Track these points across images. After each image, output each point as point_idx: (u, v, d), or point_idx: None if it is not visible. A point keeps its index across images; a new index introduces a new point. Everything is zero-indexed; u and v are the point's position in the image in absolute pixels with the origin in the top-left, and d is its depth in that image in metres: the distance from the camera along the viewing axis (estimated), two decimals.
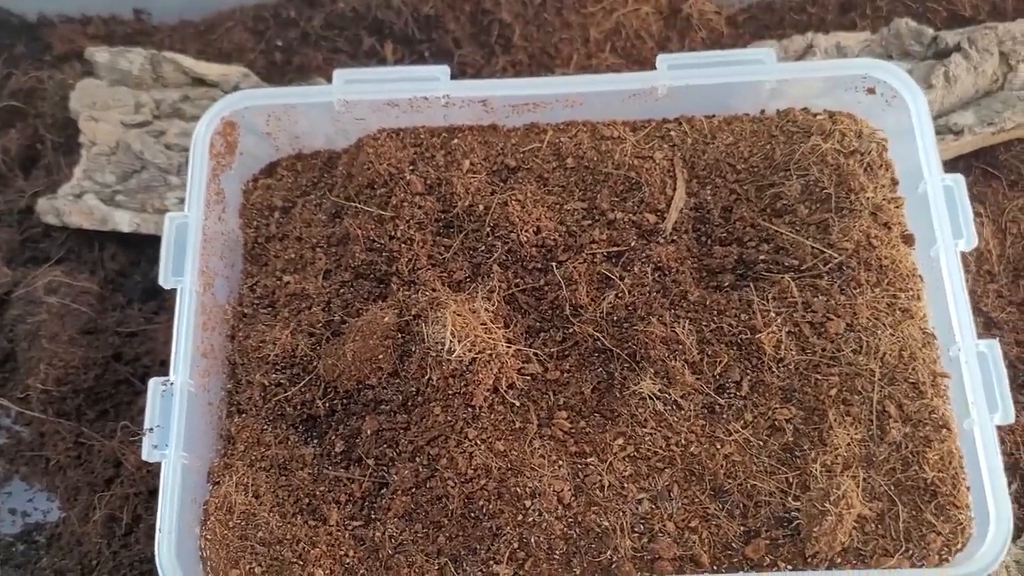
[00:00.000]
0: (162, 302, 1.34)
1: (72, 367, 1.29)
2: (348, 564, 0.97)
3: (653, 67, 1.10)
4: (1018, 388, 1.28)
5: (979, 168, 1.45)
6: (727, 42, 1.53)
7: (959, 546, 0.92)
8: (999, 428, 1.15)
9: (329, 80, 1.14)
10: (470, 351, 0.99)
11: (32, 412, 1.27)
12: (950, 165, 1.45)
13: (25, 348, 1.31)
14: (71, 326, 1.32)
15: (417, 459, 1.00)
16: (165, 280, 1.03)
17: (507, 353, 1.00)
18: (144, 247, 1.37)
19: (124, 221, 1.34)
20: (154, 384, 0.99)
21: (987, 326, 1.33)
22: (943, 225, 1.00)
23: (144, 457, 0.97)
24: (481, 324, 1.01)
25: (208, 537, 0.99)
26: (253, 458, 1.04)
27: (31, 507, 1.27)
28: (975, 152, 1.44)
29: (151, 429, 0.97)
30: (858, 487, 0.92)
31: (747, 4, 1.58)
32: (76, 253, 1.39)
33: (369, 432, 1.03)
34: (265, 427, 1.06)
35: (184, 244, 1.04)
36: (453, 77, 1.46)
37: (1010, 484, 1.23)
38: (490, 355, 1.00)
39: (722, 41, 1.53)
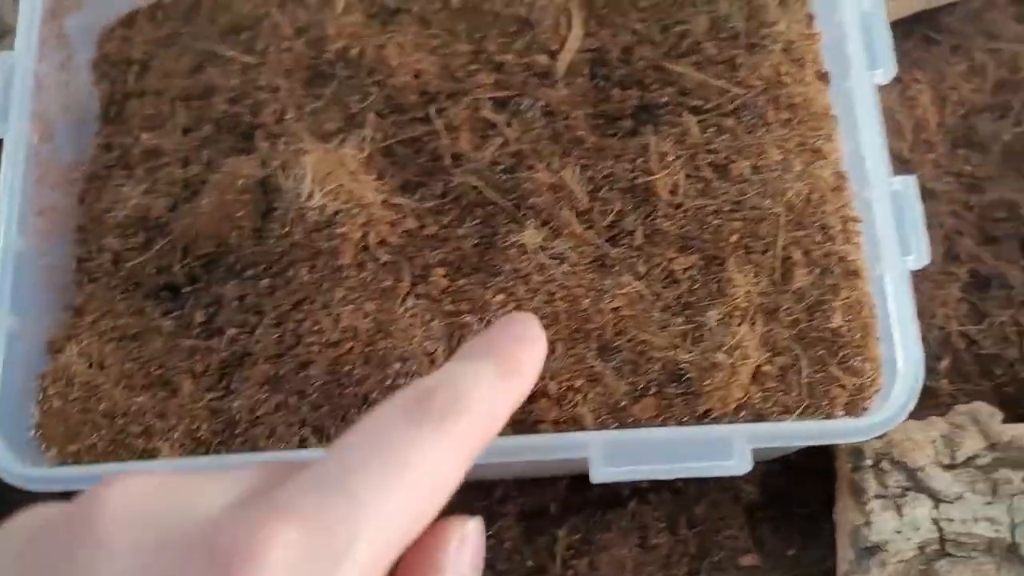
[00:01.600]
0: None
1: None
2: (200, 437, 0.88)
3: None
4: (953, 260, 1.20)
5: (919, 33, 1.35)
6: None
7: (866, 400, 0.83)
8: (930, 300, 1.07)
9: None
10: (334, 201, 0.89)
11: None
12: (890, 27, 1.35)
13: None
14: None
15: (282, 325, 0.91)
16: None
17: (376, 203, 0.90)
18: None
19: None
20: None
21: (923, 197, 1.23)
22: (858, 54, 0.90)
23: None
24: (348, 173, 0.91)
25: (44, 411, 0.89)
26: (102, 329, 0.94)
27: None
28: (915, 16, 1.34)
29: None
30: (756, 337, 0.83)
31: None
32: None
33: (231, 299, 0.93)
34: (118, 296, 0.96)
35: (10, 87, 0.93)
36: None
37: (940, 359, 1.15)
38: (358, 207, 0.90)
39: None
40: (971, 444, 0.98)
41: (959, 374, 1.15)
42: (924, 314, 1.19)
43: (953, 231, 1.22)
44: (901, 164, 1.26)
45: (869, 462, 0.99)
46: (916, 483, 0.97)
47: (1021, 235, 1.20)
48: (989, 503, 0.95)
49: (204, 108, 1.01)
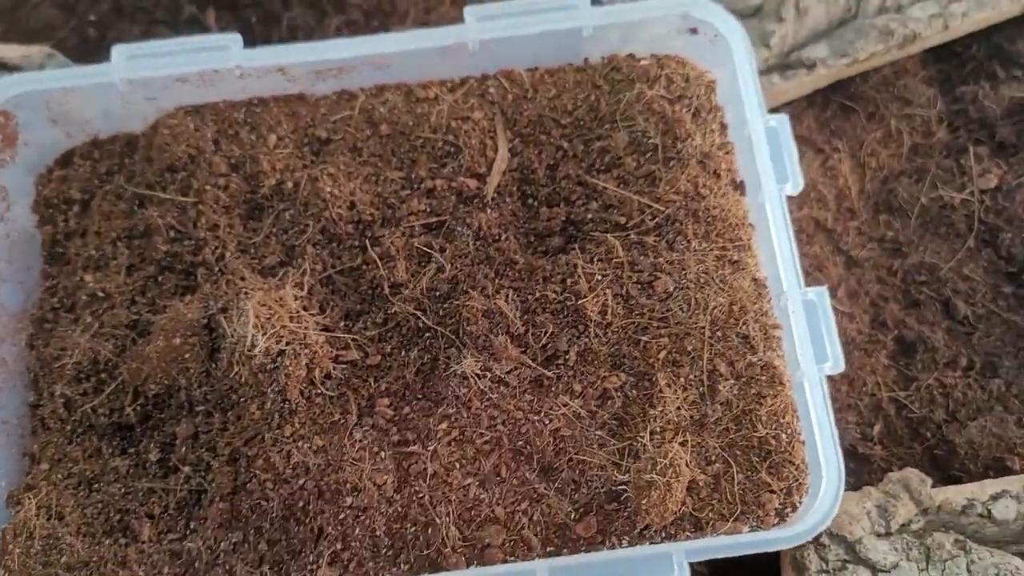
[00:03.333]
0: None
1: None
2: None
3: (465, 7, 1.03)
4: (880, 326, 1.26)
5: (836, 102, 1.41)
6: None
7: (796, 503, 0.88)
8: (860, 369, 1.12)
9: None
10: (276, 343, 0.92)
11: None
12: (807, 100, 1.40)
13: None
14: None
15: (236, 462, 0.94)
16: None
17: (319, 342, 0.94)
18: None
19: None
20: None
21: (848, 265, 1.30)
22: (767, 170, 0.95)
23: None
24: (289, 313, 0.94)
25: (7, 567, 0.91)
26: (59, 477, 0.96)
27: None
28: (832, 86, 1.39)
29: None
30: (687, 452, 0.87)
31: None
32: None
33: (183, 437, 0.96)
34: (72, 441, 0.98)
35: None
36: (281, 41, 1.38)
37: (873, 425, 1.21)
38: (300, 346, 0.93)
39: None
40: (904, 512, 1.03)
41: (891, 438, 1.20)
42: (855, 382, 1.25)
43: (879, 297, 1.28)
44: (825, 234, 1.32)
45: (809, 539, 1.03)
46: (855, 555, 1.02)
47: (942, 297, 1.26)
48: (923, 570, 1.00)
49: (145, 248, 1.03)
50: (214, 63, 1.01)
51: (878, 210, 1.34)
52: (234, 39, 1.02)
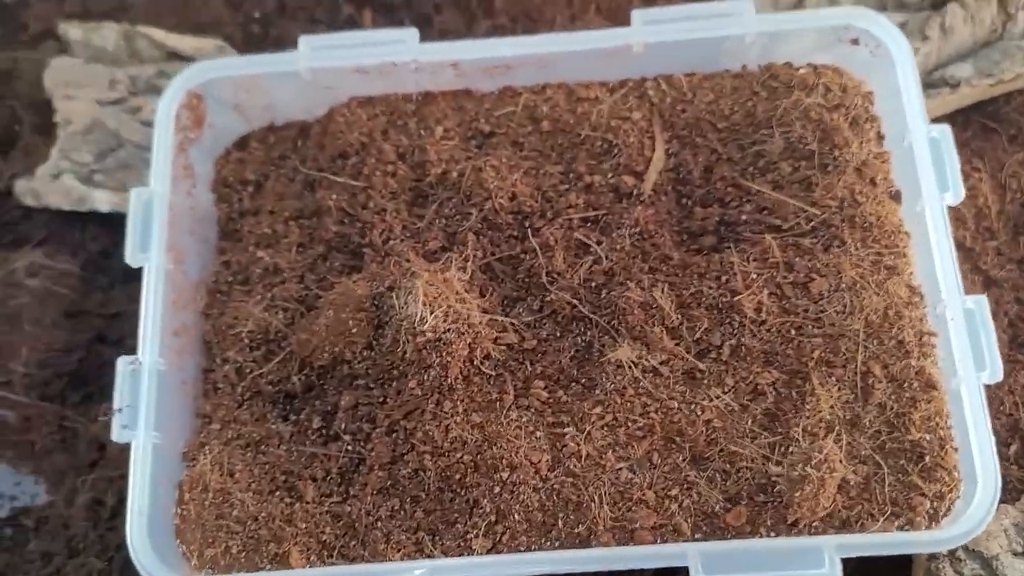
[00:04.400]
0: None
1: (55, 350, 1.27)
2: (325, 540, 0.96)
3: (633, 11, 1.07)
4: (1019, 347, 1.25)
5: (978, 122, 1.40)
6: None
7: (946, 509, 0.89)
8: (997, 388, 1.12)
9: None
10: (443, 322, 0.96)
11: (15, 396, 1.26)
12: (949, 119, 1.39)
13: (7, 331, 1.30)
14: (53, 309, 1.31)
15: (393, 433, 0.99)
16: (132, 257, 1.02)
17: (481, 323, 0.98)
18: (125, 226, 1.35)
19: (103, 200, 1.32)
20: (122, 363, 0.98)
21: (986, 284, 1.29)
22: (928, 178, 0.96)
23: (114, 438, 0.95)
24: (455, 294, 0.98)
25: (183, 516, 0.98)
26: (229, 436, 1.03)
27: (19, 491, 1.26)
28: (974, 105, 1.39)
29: (120, 409, 0.96)
30: (841, 450, 0.89)
31: None
32: (56, 235, 1.37)
33: (345, 407, 1.02)
34: (241, 405, 1.05)
35: (150, 220, 1.02)
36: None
37: (1009, 445, 1.20)
38: (464, 326, 0.97)
39: None
40: None
41: None
42: (992, 402, 1.23)
43: (1017, 318, 1.27)
44: (964, 252, 1.31)
45: (945, 552, 1.03)
46: (991, 572, 1.02)
47: None
48: None
49: (315, 228, 1.10)
50: (393, 56, 1.07)
51: (1018, 231, 1.33)
52: (411, 33, 1.08)
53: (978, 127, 1.40)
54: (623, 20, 1.48)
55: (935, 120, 1.39)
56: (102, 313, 1.31)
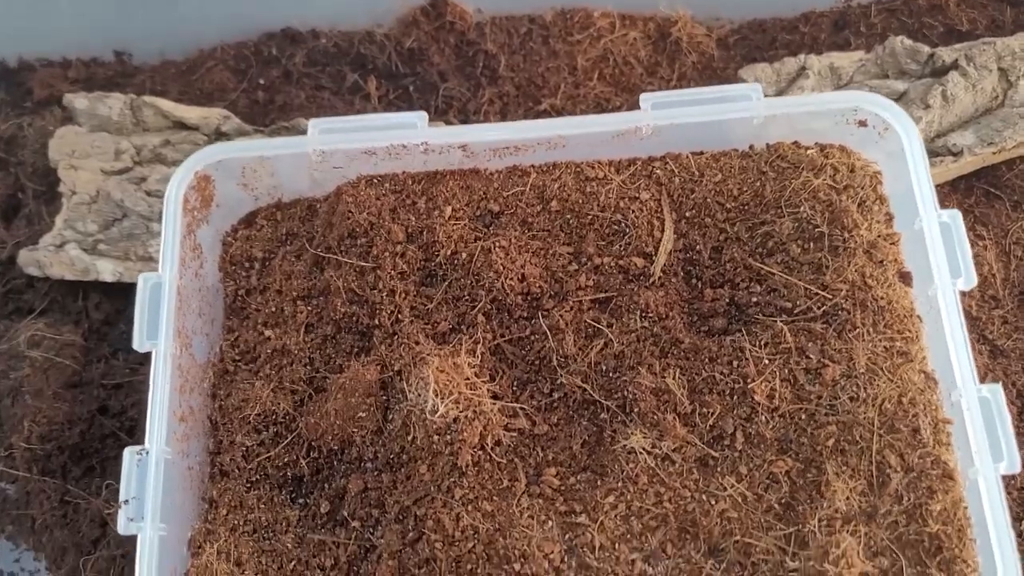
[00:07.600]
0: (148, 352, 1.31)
1: (56, 423, 1.26)
2: None
3: (641, 94, 1.07)
4: None
5: (981, 189, 1.41)
6: (718, 65, 1.50)
7: None
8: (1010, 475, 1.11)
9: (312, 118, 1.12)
10: (454, 409, 0.96)
11: (16, 471, 1.24)
12: (951, 186, 1.41)
13: (8, 404, 1.28)
14: (55, 380, 1.29)
15: (403, 520, 0.97)
16: (139, 344, 1.01)
17: (492, 409, 0.97)
18: (129, 296, 1.34)
19: (107, 270, 1.31)
20: (128, 454, 0.96)
21: (993, 354, 1.29)
22: (940, 264, 0.96)
23: (120, 531, 0.94)
24: (465, 380, 0.98)
25: None
26: (236, 523, 1.01)
27: (18, 567, 1.25)
28: (976, 172, 1.40)
29: (126, 501, 0.94)
30: (859, 543, 0.88)
31: (737, 25, 1.55)
32: (59, 304, 1.37)
33: (354, 492, 1.01)
34: (248, 489, 1.03)
35: (158, 305, 1.01)
36: (438, 111, 1.45)
37: (1021, 520, 1.19)
38: (475, 412, 0.96)
39: (713, 64, 1.50)
40: None
41: None
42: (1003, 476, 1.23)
43: None
44: (970, 322, 1.31)
45: None
46: None
47: None
48: None
49: (324, 307, 1.09)
50: (403, 139, 1.07)
51: None
52: (420, 116, 1.08)
53: (981, 194, 1.41)
54: (626, 85, 1.50)
55: (938, 186, 1.40)
56: (104, 383, 1.30)
